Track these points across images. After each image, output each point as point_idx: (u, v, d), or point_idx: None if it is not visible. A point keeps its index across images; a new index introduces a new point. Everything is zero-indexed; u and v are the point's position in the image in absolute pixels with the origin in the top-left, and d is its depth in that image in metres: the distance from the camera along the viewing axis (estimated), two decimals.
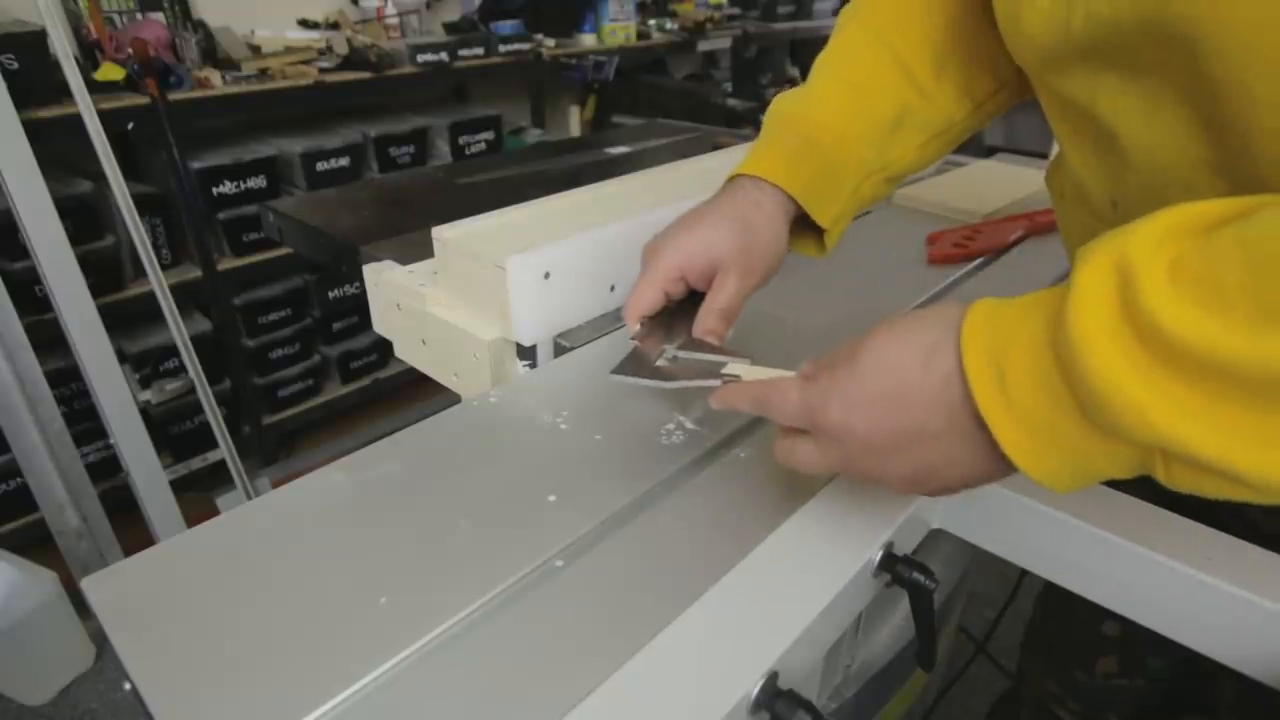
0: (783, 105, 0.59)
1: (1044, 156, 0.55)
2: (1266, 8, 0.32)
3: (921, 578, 0.44)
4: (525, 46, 2.30)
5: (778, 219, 0.54)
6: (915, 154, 0.59)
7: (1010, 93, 0.60)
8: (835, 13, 3.58)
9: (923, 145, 0.59)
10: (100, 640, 1.65)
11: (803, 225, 0.57)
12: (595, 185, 0.82)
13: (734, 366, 0.49)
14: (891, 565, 0.45)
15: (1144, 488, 0.37)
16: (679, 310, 0.55)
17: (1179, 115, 0.39)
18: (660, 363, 0.51)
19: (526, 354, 0.66)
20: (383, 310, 0.76)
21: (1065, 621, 0.90)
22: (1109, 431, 0.31)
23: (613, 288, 0.71)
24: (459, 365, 0.69)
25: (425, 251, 0.74)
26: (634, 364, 0.51)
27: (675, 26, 2.82)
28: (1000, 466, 0.35)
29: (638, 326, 0.54)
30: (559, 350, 0.68)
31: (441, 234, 0.68)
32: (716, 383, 0.47)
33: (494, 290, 0.63)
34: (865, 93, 0.57)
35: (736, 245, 0.52)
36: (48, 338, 1.52)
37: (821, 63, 0.60)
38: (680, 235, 0.53)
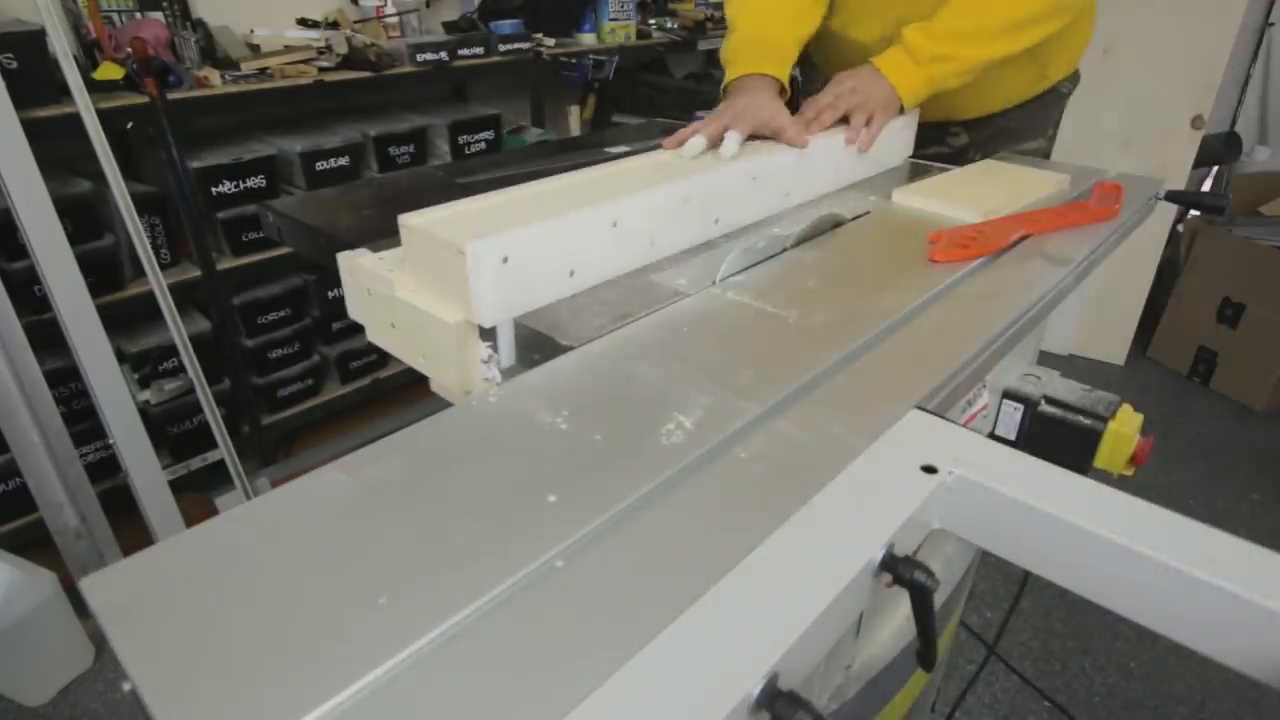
0: (730, 45, 1.16)
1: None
2: None
3: (922, 578, 0.44)
4: (525, 46, 2.30)
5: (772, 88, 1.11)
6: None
7: None
8: None
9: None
10: (100, 640, 1.65)
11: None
12: (558, 176, 0.86)
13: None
14: (892, 565, 0.45)
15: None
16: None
17: None
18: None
19: (488, 335, 0.68)
20: (356, 296, 0.79)
21: None
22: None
23: (572, 273, 0.73)
24: (426, 347, 0.72)
25: None
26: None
27: (675, 25, 2.83)
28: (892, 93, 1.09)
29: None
30: (530, 336, 0.68)
31: (407, 221, 0.70)
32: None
33: (456, 274, 0.65)
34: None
35: (772, 103, 1.06)
36: (47, 338, 1.52)
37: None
38: (751, 102, 1.04)
